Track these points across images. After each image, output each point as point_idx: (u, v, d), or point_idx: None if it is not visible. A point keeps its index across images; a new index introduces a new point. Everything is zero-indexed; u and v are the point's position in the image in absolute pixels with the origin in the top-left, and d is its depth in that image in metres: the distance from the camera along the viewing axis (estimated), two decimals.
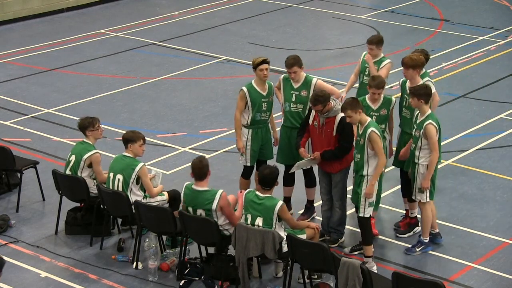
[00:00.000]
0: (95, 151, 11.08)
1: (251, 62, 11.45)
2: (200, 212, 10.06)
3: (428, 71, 11.57)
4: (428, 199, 10.72)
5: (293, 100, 11.36)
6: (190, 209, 10.13)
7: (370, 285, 9.14)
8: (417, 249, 10.90)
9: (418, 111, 10.66)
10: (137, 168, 10.62)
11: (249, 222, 9.86)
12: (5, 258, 10.61)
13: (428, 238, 10.91)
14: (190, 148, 13.98)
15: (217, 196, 9.98)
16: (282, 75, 11.63)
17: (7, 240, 11.14)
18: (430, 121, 10.48)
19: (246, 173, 11.62)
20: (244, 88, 11.45)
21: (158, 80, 17.24)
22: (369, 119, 10.44)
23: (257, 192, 9.91)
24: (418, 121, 10.62)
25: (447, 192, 12.58)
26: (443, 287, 8.64)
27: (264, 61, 11.32)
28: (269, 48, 19.09)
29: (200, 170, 10.06)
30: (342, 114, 10.66)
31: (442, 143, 14.08)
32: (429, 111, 10.58)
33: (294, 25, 21.10)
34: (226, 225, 10.10)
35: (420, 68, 11.06)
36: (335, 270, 9.32)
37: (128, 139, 10.77)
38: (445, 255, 10.90)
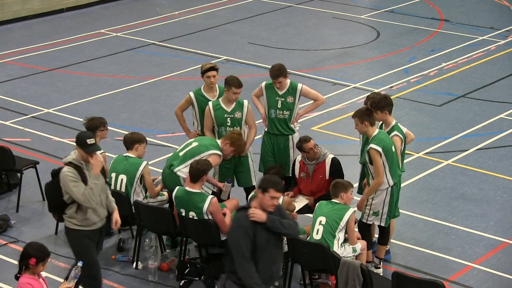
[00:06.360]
0: (101, 151, 11.05)
1: (200, 67, 11.42)
2: (192, 214, 9.95)
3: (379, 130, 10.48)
4: (384, 224, 10.13)
5: (279, 106, 11.17)
6: (183, 211, 10.02)
7: (370, 285, 9.15)
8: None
9: (382, 122, 10.26)
10: (142, 167, 10.61)
11: None
12: (5, 258, 10.67)
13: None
14: None
15: (208, 200, 9.86)
16: (264, 82, 11.43)
17: (7, 240, 11.13)
18: (395, 132, 10.15)
19: None
20: (191, 94, 11.40)
21: (158, 80, 17.24)
22: (376, 132, 9.91)
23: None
24: None
25: (447, 192, 12.58)
26: (443, 287, 8.64)
27: (212, 68, 11.26)
28: (269, 48, 19.09)
29: (194, 172, 9.97)
30: (331, 156, 10.73)
31: (442, 143, 14.19)
32: (394, 122, 10.20)
33: (294, 25, 21.08)
34: None
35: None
36: (335, 270, 9.33)
37: (136, 140, 10.76)
38: (445, 255, 10.89)
